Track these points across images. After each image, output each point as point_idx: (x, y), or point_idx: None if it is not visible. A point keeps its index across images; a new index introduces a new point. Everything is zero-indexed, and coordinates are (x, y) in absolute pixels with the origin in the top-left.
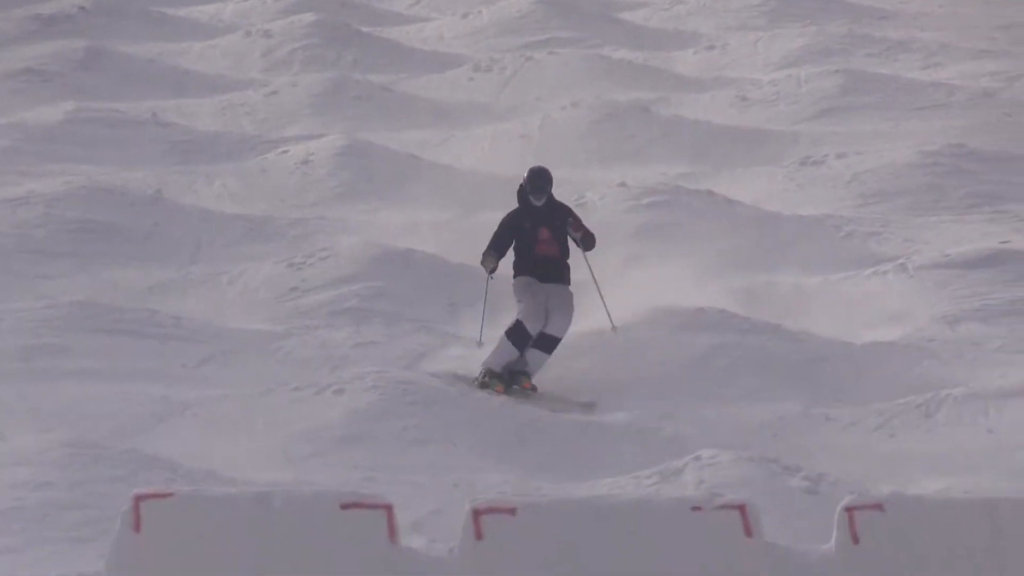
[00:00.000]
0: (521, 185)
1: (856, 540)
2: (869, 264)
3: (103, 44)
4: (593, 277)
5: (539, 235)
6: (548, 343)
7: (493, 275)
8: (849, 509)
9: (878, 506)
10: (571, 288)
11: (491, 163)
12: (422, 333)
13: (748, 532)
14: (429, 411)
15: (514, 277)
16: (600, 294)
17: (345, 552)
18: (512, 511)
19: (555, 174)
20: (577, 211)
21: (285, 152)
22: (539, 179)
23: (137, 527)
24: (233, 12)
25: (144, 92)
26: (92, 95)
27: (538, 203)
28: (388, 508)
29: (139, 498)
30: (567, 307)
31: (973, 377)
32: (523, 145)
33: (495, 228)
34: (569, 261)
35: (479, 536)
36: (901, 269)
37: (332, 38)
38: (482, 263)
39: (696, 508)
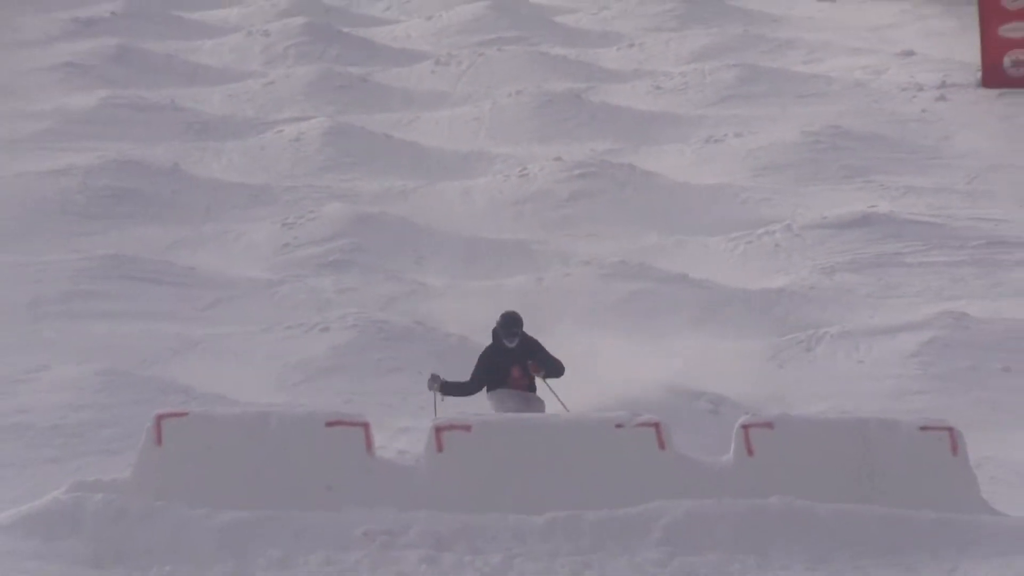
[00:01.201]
0: (495, 329)
1: (751, 452)
2: (761, 225)
3: (131, 42)
4: (552, 391)
5: (512, 373)
6: None
7: (439, 395)
8: (745, 426)
9: (769, 424)
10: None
11: (450, 141)
12: (393, 281)
13: (661, 445)
14: (399, 346)
15: (488, 391)
16: (557, 397)
17: (330, 461)
18: (468, 428)
19: (501, 151)
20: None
21: (280, 132)
22: (511, 325)
23: (159, 440)
24: (238, 15)
25: (164, 82)
26: (121, 84)
27: (511, 346)
28: (366, 425)
29: (160, 417)
30: (537, 408)
31: (846, 318)
32: (476, 126)
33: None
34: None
35: (440, 449)
36: (787, 229)
37: (319, 37)
38: (429, 384)
39: (619, 425)
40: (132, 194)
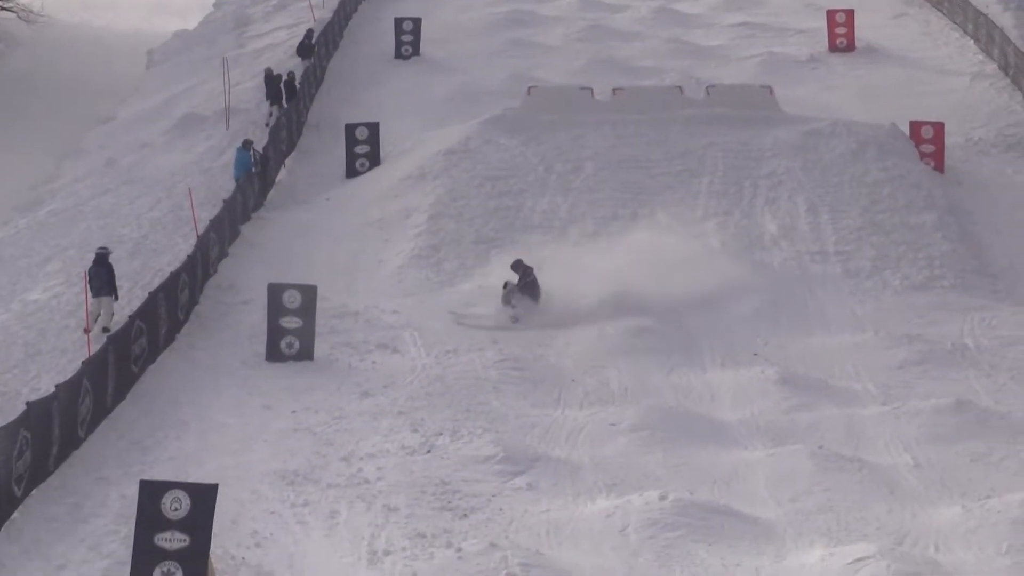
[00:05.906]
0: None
1: (708, 95)
2: None
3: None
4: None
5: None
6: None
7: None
8: (707, 87)
9: (714, 85)
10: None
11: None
12: None
13: (681, 93)
14: None
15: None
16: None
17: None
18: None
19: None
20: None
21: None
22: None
23: (528, 94)
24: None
25: None
26: None
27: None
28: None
29: (529, 88)
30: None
31: None
32: None
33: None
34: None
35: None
36: None
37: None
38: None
39: (677, 87)
40: None
